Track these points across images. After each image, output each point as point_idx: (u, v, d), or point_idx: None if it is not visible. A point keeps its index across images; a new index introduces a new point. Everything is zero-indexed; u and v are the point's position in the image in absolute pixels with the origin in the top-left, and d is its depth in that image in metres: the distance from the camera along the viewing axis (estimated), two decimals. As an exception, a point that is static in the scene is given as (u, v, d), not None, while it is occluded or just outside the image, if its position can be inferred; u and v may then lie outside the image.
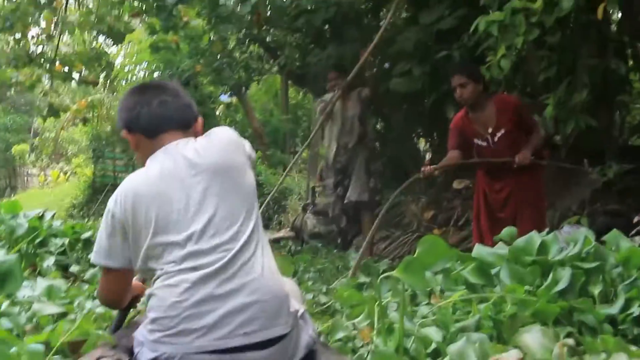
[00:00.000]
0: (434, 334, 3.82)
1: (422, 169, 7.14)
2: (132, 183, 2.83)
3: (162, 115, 2.93)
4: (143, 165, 2.94)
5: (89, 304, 4.67)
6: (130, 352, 2.82)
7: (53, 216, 7.61)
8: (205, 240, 2.69)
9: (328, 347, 3.33)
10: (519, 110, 6.71)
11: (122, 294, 3.04)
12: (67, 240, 6.81)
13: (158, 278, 2.73)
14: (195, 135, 2.99)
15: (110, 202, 2.82)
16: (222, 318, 2.64)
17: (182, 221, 2.70)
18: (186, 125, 2.97)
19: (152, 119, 2.92)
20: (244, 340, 2.66)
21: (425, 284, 4.79)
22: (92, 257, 2.90)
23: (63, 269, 6.33)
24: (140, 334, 2.79)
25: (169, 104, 2.96)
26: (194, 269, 2.67)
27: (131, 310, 3.52)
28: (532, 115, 6.79)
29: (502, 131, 6.67)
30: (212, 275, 2.67)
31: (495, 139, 6.70)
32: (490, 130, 6.77)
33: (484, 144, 6.79)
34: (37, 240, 6.63)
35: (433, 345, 3.69)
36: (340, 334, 4.24)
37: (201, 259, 2.68)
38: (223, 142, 2.91)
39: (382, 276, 4.79)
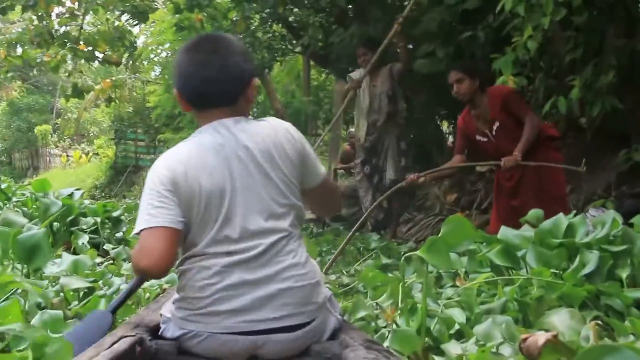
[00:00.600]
0: (458, 315, 3.81)
1: (407, 177, 7.27)
2: (187, 150, 2.77)
3: (216, 89, 2.81)
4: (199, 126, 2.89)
5: (117, 281, 4.73)
6: (154, 330, 2.80)
7: (82, 195, 7.72)
8: (244, 224, 2.66)
9: (349, 323, 3.31)
10: (507, 99, 6.65)
11: (164, 256, 2.66)
12: (99, 219, 6.89)
13: (191, 256, 2.70)
14: (247, 101, 2.91)
15: (158, 168, 2.75)
16: (252, 302, 2.63)
17: (225, 203, 2.67)
18: (233, 100, 2.86)
19: (206, 93, 2.82)
20: (272, 324, 2.65)
21: (449, 264, 4.75)
22: (135, 228, 2.71)
23: (95, 247, 6.36)
24: (168, 310, 2.79)
25: (215, 82, 2.82)
26: (229, 253, 2.65)
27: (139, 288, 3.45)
28: (523, 104, 6.68)
29: (497, 124, 6.68)
30: (247, 261, 2.65)
31: (493, 132, 6.72)
32: (480, 125, 6.81)
33: (485, 139, 6.80)
34: (69, 219, 6.73)
35: (456, 327, 3.69)
36: (362, 313, 4.22)
37: (237, 244, 2.66)
38: (281, 130, 2.85)
39: (405, 255, 4.79)
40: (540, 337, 2.73)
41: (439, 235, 5.18)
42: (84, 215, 6.99)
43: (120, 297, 3.10)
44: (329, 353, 2.74)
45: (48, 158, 32.90)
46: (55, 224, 6.52)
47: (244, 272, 2.63)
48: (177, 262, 2.79)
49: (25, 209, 7.07)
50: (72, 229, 6.62)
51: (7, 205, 6.42)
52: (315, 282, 2.79)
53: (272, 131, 2.82)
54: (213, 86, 2.82)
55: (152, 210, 2.66)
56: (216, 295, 2.63)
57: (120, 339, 2.59)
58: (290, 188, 2.79)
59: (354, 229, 6.95)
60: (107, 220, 7.06)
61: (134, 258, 2.74)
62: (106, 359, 2.33)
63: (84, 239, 6.34)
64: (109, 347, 2.47)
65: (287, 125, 2.93)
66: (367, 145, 9.02)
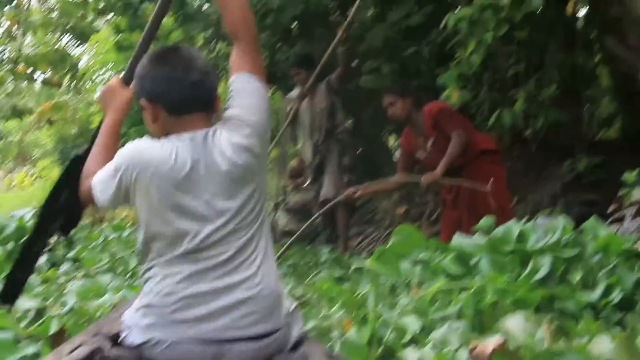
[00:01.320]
0: (413, 323, 3.82)
1: (345, 192, 7.47)
2: (156, 149, 2.68)
3: (193, 97, 2.75)
4: (157, 137, 2.77)
5: (70, 300, 4.66)
6: (114, 338, 2.77)
7: (33, 216, 7.68)
8: (212, 233, 2.64)
9: (308, 337, 3.31)
10: (436, 117, 6.75)
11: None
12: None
13: (156, 262, 2.68)
14: (215, 111, 2.82)
15: (120, 160, 2.70)
16: (217, 310, 2.61)
17: (192, 208, 2.64)
18: (211, 107, 2.82)
19: (182, 100, 2.77)
20: (237, 333, 2.62)
21: (399, 273, 4.80)
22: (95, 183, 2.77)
23: (53, 266, 6.38)
24: (130, 317, 2.74)
25: (201, 85, 2.77)
26: (196, 260, 2.63)
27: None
28: (450, 121, 6.71)
29: (431, 139, 6.79)
30: (213, 269, 2.63)
31: (428, 147, 6.83)
32: (421, 142, 6.93)
33: (423, 155, 6.91)
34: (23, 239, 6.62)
35: (410, 336, 3.70)
36: (311, 324, 4.18)
37: (205, 252, 2.64)
38: (242, 143, 2.82)
39: (354, 267, 4.81)
40: (489, 345, 2.75)
41: (388, 245, 5.24)
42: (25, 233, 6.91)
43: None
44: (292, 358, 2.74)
45: (-11, 181, 32.41)
46: (8, 245, 6.45)
47: (210, 279, 2.62)
48: (143, 269, 2.77)
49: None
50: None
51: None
52: (280, 292, 2.79)
53: (238, 143, 2.79)
54: (199, 90, 2.77)
55: (107, 183, 2.76)
56: (182, 302, 2.60)
57: (78, 346, 2.56)
58: (257, 193, 2.78)
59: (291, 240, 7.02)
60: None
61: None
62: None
63: (42, 258, 6.23)
64: (68, 355, 2.46)
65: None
66: (315, 164, 9.00)
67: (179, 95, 2.75)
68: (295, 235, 7.78)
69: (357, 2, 7.93)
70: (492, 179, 6.35)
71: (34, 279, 5.03)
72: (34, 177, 28.05)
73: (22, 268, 3.02)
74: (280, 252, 6.86)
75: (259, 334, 2.66)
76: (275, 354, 2.74)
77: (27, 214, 7.62)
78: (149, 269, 2.71)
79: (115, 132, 3.04)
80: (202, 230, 2.63)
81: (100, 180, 2.73)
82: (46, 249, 3.23)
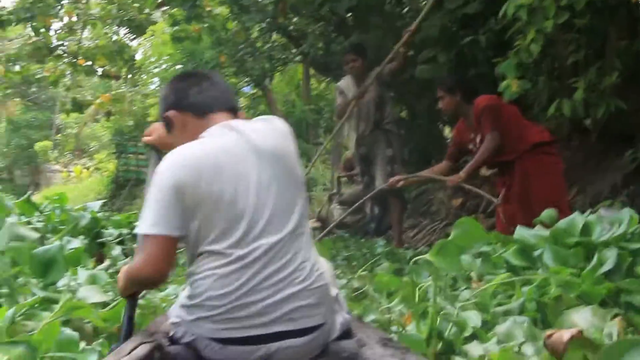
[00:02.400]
0: (474, 317, 3.77)
1: (390, 179, 7.66)
2: (192, 152, 2.70)
3: (213, 95, 2.85)
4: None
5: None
6: (166, 334, 2.79)
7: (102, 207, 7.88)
8: (259, 226, 2.63)
9: (364, 322, 3.29)
10: (479, 114, 6.83)
11: (168, 263, 2.67)
12: (125, 231, 6.98)
13: (204, 258, 2.66)
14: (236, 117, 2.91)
15: (164, 169, 2.67)
16: (267, 307, 2.61)
17: (240, 204, 2.62)
18: (234, 109, 2.89)
19: (204, 98, 2.84)
20: (286, 327, 2.63)
21: (460, 267, 4.76)
22: (138, 228, 2.68)
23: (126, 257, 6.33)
24: (177, 313, 2.74)
25: (218, 85, 2.90)
26: (245, 255, 2.61)
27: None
28: (490, 121, 6.77)
29: (480, 135, 6.84)
30: (263, 265, 2.61)
31: (477, 141, 6.87)
32: (472, 135, 6.99)
33: (474, 148, 6.96)
34: (95, 231, 6.81)
35: (471, 330, 3.65)
36: (371, 317, 4.22)
37: (249, 246, 2.62)
38: (282, 130, 2.84)
39: (413, 259, 4.76)
40: (565, 334, 2.71)
41: (449, 238, 5.20)
42: (104, 227, 7.02)
43: (125, 329, 3.07)
44: (346, 352, 2.72)
45: (49, 174, 32.89)
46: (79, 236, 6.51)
47: (259, 275, 2.60)
48: (188, 266, 2.76)
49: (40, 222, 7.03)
50: (99, 240, 6.65)
51: (10, 219, 6.34)
52: (327, 283, 2.77)
53: (278, 131, 2.81)
54: (218, 88, 2.91)
55: (156, 217, 2.63)
56: (233, 301, 2.59)
57: (139, 345, 2.59)
58: (301, 184, 2.77)
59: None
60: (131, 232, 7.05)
61: (131, 267, 2.73)
62: None
63: (117, 250, 6.32)
64: (129, 354, 2.49)
65: (286, 126, 2.92)
66: (360, 155, 9.02)
67: (201, 94, 2.87)
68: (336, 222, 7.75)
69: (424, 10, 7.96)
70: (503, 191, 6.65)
71: (104, 273, 5.04)
72: (91, 169, 28.45)
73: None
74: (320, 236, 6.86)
75: (307, 327, 2.67)
76: (329, 343, 2.75)
77: (97, 206, 7.76)
78: (195, 265, 2.70)
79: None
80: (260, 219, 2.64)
81: (149, 223, 2.72)
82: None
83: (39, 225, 6.33)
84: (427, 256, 5.22)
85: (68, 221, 6.72)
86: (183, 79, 3.01)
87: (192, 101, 2.87)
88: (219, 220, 2.61)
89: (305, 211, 2.76)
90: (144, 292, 3.62)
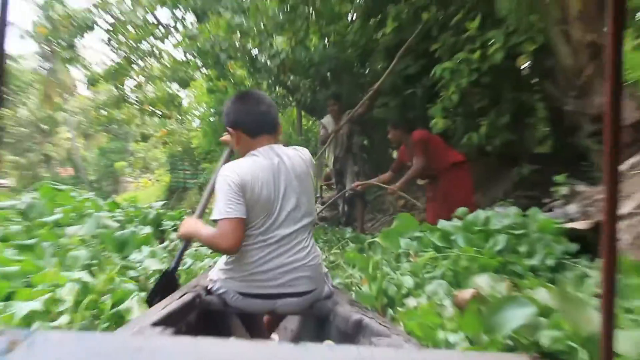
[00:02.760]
0: (409, 280, 3.80)
1: (352, 185, 7.93)
2: (249, 165, 2.67)
3: (264, 121, 2.76)
4: (241, 156, 2.80)
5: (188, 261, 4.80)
6: (206, 289, 2.81)
7: (162, 206, 7.90)
8: (279, 222, 2.66)
9: (339, 289, 3.32)
10: (414, 142, 6.84)
11: (238, 239, 2.59)
12: (178, 222, 6.97)
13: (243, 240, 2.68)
14: (278, 133, 2.85)
15: (231, 174, 2.62)
16: (276, 274, 2.64)
17: (272, 204, 2.65)
18: (276, 130, 2.86)
19: (257, 124, 2.78)
20: (288, 290, 2.67)
21: (399, 247, 4.78)
22: (214, 215, 2.61)
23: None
24: (215, 274, 2.77)
25: (268, 115, 2.79)
26: (267, 241, 2.65)
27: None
28: (419, 150, 6.80)
29: (414, 157, 6.87)
30: (278, 246, 2.65)
31: (412, 161, 6.91)
32: (409, 156, 7.01)
33: (411, 165, 6.99)
34: (158, 222, 6.88)
35: (406, 290, 3.68)
36: (338, 280, 4.30)
37: (272, 233, 2.65)
38: (305, 158, 2.83)
39: (368, 241, 4.77)
40: (467, 293, 2.74)
41: (392, 227, 5.22)
42: (162, 219, 7.02)
43: (176, 259, 3.18)
44: (326, 308, 2.74)
45: (124, 184, 32.78)
46: (147, 226, 6.54)
47: (274, 253, 2.64)
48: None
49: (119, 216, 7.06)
50: (160, 228, 6.68)
51: (99, 214, 6.36)
52: (320, 263, 2.80)
53: (302, 159, 2.81)
54: (267, 117, 2.78)
55: (230, 205, 2.57)
56: (254, 269, 2.63)
57: (185, 293, 2.62)
58: (310, 199, 2.79)
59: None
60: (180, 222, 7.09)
61: (214, 239, 2.62)
62: (177, 305, 2.37)
63: (172, 235, 6.37)
64: (179, 298, 2.51)
65: (309, 155, 2.91)
66: (336, 169, 9.04)
67: (255, 120, 2.77)
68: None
69: (383, 77, 8.01)
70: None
71: (162, 250, 5.07)
72: (153, 181, 28.31)
73: (159, 288, 3.06)
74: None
75: (303, 291, 2.70)
76: (314, 302, 2.77)
77: (158, 205, 7.93)
78: None
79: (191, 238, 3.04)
80: (268, 220, 2.66)
81: (221, 210, 2.69)
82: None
83: (120, 217, 6.36)
84: (377, 239, 5.26)
85: (140, 215, 6.78)
86: (242, 101, 2.86)
87: (246, 124, 2.79)
88: (256, 215, 2.64)
89: (311, 213, 2.78)
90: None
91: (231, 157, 3.16)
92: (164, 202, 9.60)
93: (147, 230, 5.92)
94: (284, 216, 2.64)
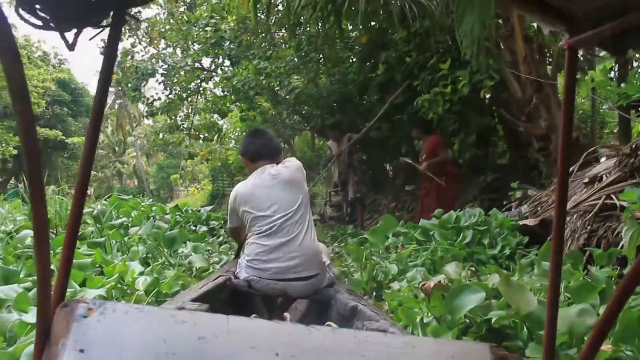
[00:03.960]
0: (394, 268, 3.79)
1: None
2: (242, 187, 2.83)
3: (260, 152, 2.89)
4: (248, 175, 2.94)
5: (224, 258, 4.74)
6: (234, 273, 2.83)
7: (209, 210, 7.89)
8: (277, 218, 2.69)
9: (339, 280, 3.32)
10: (426, 141, 6.85)
11: (239, 235, 3.03)
12: (221, 222, 6.96)
13: (252, 235, 2.74)
14: (278, 162, 2.94)
15: (233, 192, 2.86)
16: (284, 261, 2.65)
17: (265, 207, 2.70)
18: (273, 158, 2.91)
19: (255, 150, 2.90)
20: (293, 275, 2.67)
21: (384, 241, 4.76)
22: (228, 224, 3.01)
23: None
24: (242, 262, 2.79)
25: (266, 146, 2.92)
26: (272, 234, 2.68)
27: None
28: (442, 147, 6.77)
29: (423, 153, 6.83)
30: (281, 239, 2.67)
31: (422, 156, 6.88)
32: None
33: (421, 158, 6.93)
34: (207, 221, 6.81)
35: (391, 276, 3.67)
36: (338, 268, 4.27)
37: (274, 228, 2.68)
38: (292, 167, 2.87)
39: (361, 237, 4.75)
40: (432, 282, 2.72)
41: (377, 225, 5.19)
42: (209, 219, 6.98)
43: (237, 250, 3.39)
44: (328, 295, 2.75)
45: (177, 192, 32.86)
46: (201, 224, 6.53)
47: (281, 246, 2.65)
48: (247, 240, 2.83)
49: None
50: (211, 226, 6.64)
51: (156, 217, 6.33)
52: (320, 252, 2.80)
53: (289, 169, 2.85)
54: (265, 147, 2.92)
55: (231, 218, 2.91)
56: (266, 258, 2.65)
57: (219, 276, 2.70)
58: (302, 198, 2.80)
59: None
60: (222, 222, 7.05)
61: (231, 237, 3.26)
62: (212, 286, 2.44)
63: (221, 232, 6.37)
64: (213, 280, 2.57)
65: (297, 161, 2.97)
66: (340, 180, 8.99)
67: (255, 150, 2.92)
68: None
69: (381, 112, 8.02)
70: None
71: (204, 245, 5.04)
72: (199, 189, 28.38)
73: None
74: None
75: (306, 276, 2.69)
76: (318, 290, 2.76)
77: (208, 209, 7.93)
78: (249, 239, 2.76)
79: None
80: (272, 217, 2.70)
81: (228, 218, 2.96)
82: None
83: (179, 219, 6.40)
84: (366, 235, 5.25)
85: (194, 217, 6.76)
86: (248, 136, 3.06)
87: (248, 152, 2.93)
88: (257, 221, 2.69)
89: (306, 211, 2.80)
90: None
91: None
92: (211, 206, 9.60)
93: (204, 228, 5.94)
94: (281, 220, 2.68)
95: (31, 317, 1.94)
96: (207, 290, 2.36)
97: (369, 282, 3.52)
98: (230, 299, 2.63)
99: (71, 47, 1.00)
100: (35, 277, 1.55)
